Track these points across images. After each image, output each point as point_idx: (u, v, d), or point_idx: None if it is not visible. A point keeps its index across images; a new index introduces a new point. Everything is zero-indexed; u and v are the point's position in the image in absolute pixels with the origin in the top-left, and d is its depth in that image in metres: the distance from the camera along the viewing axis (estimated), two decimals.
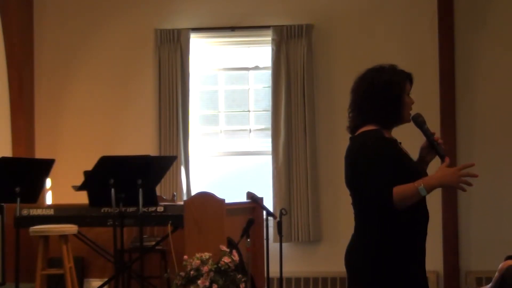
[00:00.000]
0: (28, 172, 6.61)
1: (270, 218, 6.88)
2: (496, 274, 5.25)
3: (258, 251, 7.21)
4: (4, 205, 7.31)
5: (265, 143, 8.82)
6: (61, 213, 7.18)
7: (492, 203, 8.38)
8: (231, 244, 6.71)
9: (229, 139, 8.94)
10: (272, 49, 8.61)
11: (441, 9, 8.47)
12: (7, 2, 8.49)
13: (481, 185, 8.34)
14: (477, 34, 8.50)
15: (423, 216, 3.64)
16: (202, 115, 8.99)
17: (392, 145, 3.61)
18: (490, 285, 5.31)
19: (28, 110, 8.78)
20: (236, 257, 6.48)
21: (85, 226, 7.13)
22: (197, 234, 6.67)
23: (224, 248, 6.51)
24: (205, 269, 6.33)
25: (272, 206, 8.36)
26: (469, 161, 8.18)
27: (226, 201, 6.82)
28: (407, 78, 3.69)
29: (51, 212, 7.20)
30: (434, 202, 8.38)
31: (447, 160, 3.61)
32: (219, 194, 6.87)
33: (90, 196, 6.75)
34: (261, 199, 7.21)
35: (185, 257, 6.47)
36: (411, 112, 3.68)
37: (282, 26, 8.61)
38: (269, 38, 8.64)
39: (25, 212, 7.13)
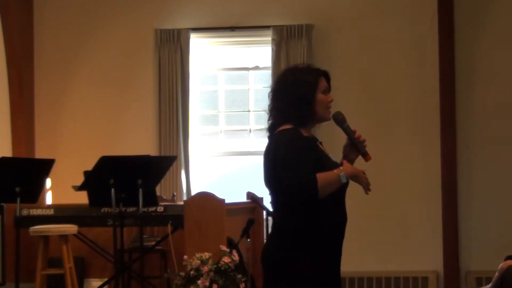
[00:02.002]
0: (28, 172, 6.60)
1: (270, 218, 6.86)
2: (496, 274, 5.25)
3: (258, 251, 7.19)
4: (4, 205, 7.32)
5: (265, 143, 8.76)
6: (61, 213, 7.18)
7: (492, 203, 8.37)
8: (231, 244, 6.70)
9: (229, 139, 8.94)
10: (272, 49, 8.61)
11: (441, 9, 8.47)
12: (7, 2, 8.48)
13: (481, 185, 8.35)
14: (477, 34, 8.50)
15: (340, 217, 3.62)
16: (202, 115, 8.98)
17: (311, 143, 3.59)
18: (490, 285, 5.31)
19: (28, 110, 8.77)
20: (236, 257, 6.47)
21: (85, 226, 7.12)
22: (197, 234, 6.66)
23: (224, 248, 6.51)
24: (205, 269, 6.32)
25: None
26: (469, 160, 8.24)
27: (226, 201, 6.80)
28: (321, 75, 3.69)
29: (51, 212, 7.20)
30: (434, 202, 8.39)
31: (368, 158, 3.57)
32: (219, 194, 6.86)
33: (90, 196, 6.75)
34: (261, 199, 7.19)
35: (185, 257, 6.46)
36: (331, 110, 3.65)
37: (282, 26, 8.60)
38: (269, 38, 8.63)
39: (25, 212, 7.12)
